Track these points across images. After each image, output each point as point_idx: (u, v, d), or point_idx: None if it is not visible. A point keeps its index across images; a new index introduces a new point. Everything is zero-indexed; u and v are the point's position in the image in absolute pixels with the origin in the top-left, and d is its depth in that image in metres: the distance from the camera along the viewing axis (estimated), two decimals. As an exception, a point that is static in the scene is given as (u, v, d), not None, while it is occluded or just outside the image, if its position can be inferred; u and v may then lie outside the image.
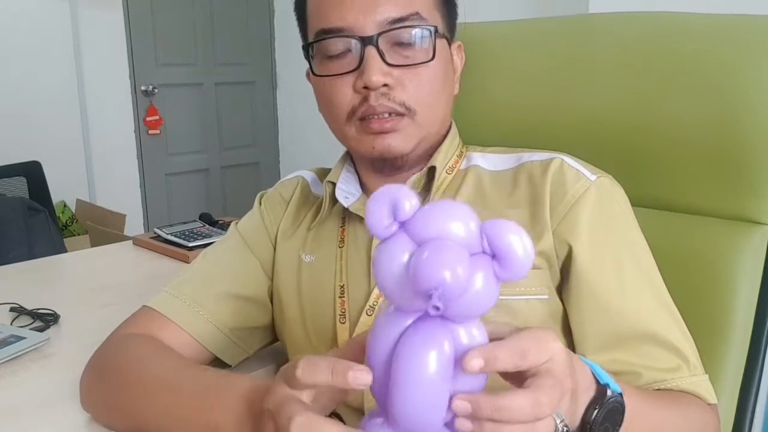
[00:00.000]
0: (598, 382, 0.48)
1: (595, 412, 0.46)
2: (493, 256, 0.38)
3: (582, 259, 0.64)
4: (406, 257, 0.38)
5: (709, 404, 0.63)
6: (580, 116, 0.82)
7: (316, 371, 0.42)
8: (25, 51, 2.88)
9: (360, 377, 0.39)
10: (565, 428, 0.41)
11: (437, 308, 0.36)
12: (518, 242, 0.37)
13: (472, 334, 0.40)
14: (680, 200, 0.77)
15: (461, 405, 0.38)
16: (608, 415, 0.47)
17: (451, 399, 0.39)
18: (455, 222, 0.38)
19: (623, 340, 0.62)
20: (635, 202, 0.70)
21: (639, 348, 0.62)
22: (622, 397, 0.48)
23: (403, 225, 0.39)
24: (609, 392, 0.47)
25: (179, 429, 0.60)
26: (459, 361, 0.39)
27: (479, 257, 0.38)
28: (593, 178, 0.67)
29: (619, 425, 0.49)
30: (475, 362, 0.39)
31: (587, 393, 0.47)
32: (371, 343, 0.41)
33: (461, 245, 0.37)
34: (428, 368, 0.38)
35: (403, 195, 0.39)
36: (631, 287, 0.64)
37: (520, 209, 0.67)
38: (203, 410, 0.58)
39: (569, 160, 0.68)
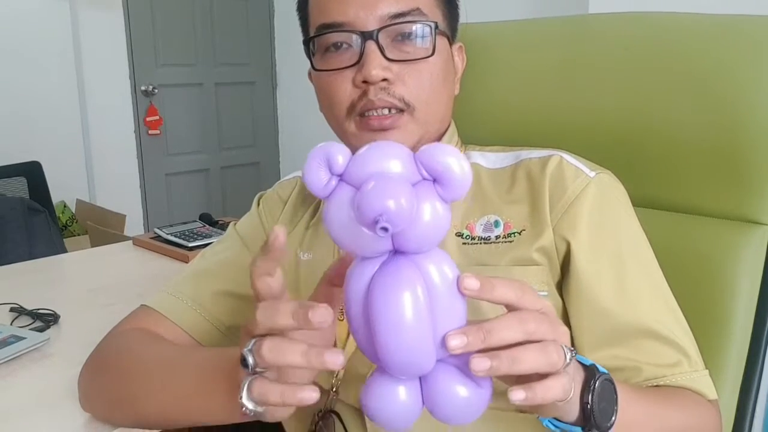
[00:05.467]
0: (584, 366, 0.49)
1: (590, 393, 0.47)
2: (434, 181, 0.39)
3: (580, 256, 0.64)
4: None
5: (709, 400, 0.63)
6: (579, 116, 0.82)
7: (275, 315, 0.43)
8: (25, 51, 2.88)
9: (319, 314, 0.40)
10: (573, 357, 0.43)
11: (386, 229, 0.36)
12: (454, 161, 0.38)
13: (442, 270, 0.40)
14: (680, 200, 0.77)
15: (456, 340, 0.39)
16: (602, 393, 0.48)
17: (442, 338, 0.40)
18: (390, 160, 0.39)
19: (622, 337, 0.62)
20: (635, 202, 0.70)
21: (638, 344, 0.62)
22: (609, 375, 0.50)
23: (341, 177, 0.40)
24: (597, 372, 0.48)
25: (179, 409, 0.61)
26: (434, 296, 0.39)
27: (421, 185, 0.39)
28: (592, 174, 0.67)
29: (616, 403, 0.50)
30: (471, 282, 0.40)
31: (578, 376, 0.48)
32: (346, 300, 0.41)
33: (400, 177, 0.38)
34: (403, 304, 0.38)
35: (335, 150, 0.39)
36: (630, 284, 0.64)
37: (519, 205, 0.68)
38: (200, 383, 0.58)
39: (568, 157, 0.69)
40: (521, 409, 0.51)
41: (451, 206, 0.69)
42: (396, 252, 0.40)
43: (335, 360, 0.41)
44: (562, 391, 0.43)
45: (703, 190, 0.75)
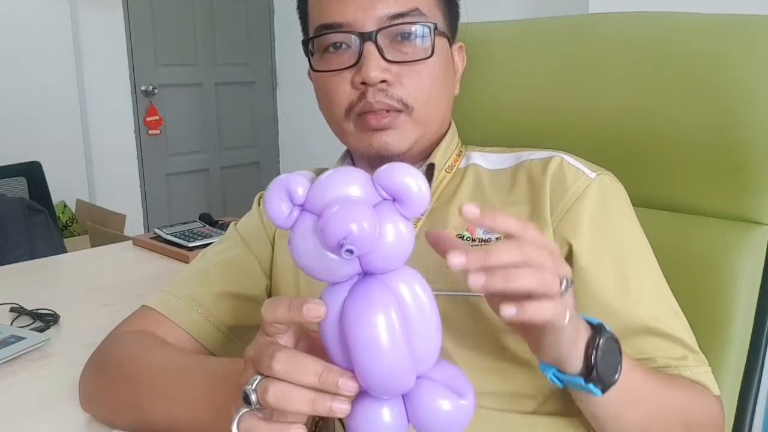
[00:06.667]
0: (591, 325, 0.50)
1: (595, 348, 0.48)
2: (394, 200, 0.40)
3: (582, 258, 0.64)
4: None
5: (714, 395, 0.63)
6: (580, 116, 0.82)
7: (276, 307, 0.43)
8: (25, 51, 2.88)
9: (313, 309, 0.40)
10: (570, 286, 0.44)
11: (351, 251, 0.37)
12: (411, 180, 0.39)
13: (412, 287, 0.41)
14: (680, 200, 0.77)
15: (456, 259, 0.40)
16: (606, 349, 0.49)
17: (419, 354, 0.40)
18: (348, 185, 0.40)
19: (626, 335, 0.62)
20: (635, 202, 0.70)
21: (643, 342, 0.62)
22: (614, 335, 0.51)
23: (303, 207, 0.40)
24: (603, 330, 0.50)
25: (184, 414, 0.61)
26: (407, 314, 0.40)
27: (382, 205, 0.40)
28: (593, 175, 0.67)
29: (620, 361, 0.51)
30: (470, 208, 0.41)
31: (584, 332, 0.49)
32: (321, 326, 0.42)
33: (360, 200, 0.39)
34: (377, 326, 0.38)
35: (293, 181, 0.40)
36: (632, 285, 0.64)
37: (519, 207, 0.68)
38: (210, 391, 0.59)
39: (569, 159, 0.68)
40: (515, 326, 0.51)
41: (451, 207, 0.70)
42: (365, 274, 0.41)
43: (342, 407, 0.41)
44: (554, 312, 0.43)
45: (703, 190, 0.75)
